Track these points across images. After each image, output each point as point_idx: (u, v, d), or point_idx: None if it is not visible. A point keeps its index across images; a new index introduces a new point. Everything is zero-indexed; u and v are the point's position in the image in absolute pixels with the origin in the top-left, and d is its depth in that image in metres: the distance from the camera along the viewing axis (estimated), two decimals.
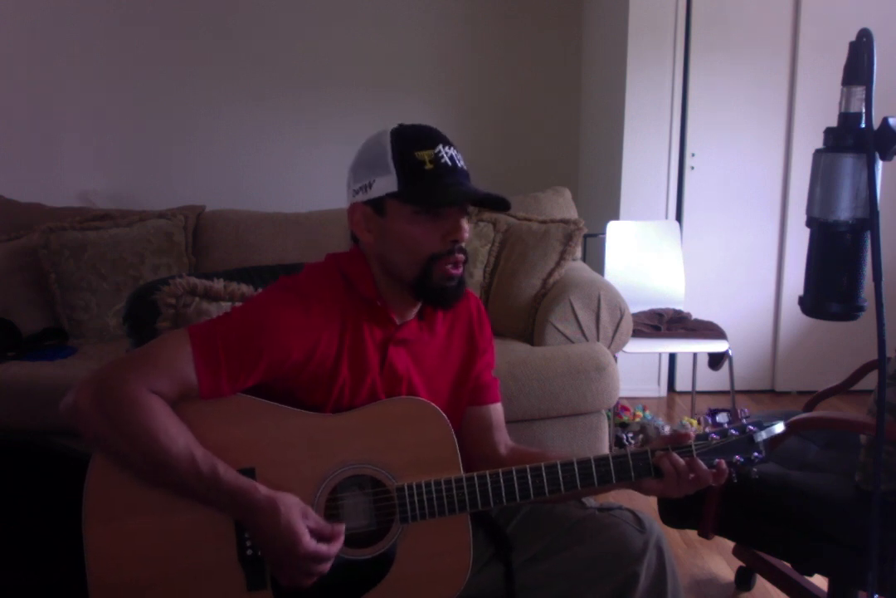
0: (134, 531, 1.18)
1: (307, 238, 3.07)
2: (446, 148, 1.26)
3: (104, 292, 2.88)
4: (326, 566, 1.17)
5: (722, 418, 1.29)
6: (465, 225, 1.27)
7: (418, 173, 1.23)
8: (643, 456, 1.22)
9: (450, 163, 1.25)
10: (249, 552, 1.19)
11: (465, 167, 1.28)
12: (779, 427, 1.26)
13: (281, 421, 1.23)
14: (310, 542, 1.14)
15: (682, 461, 1.20)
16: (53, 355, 2.67)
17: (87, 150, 4.05)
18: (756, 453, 1.24)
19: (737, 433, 1.24)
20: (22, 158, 3.92)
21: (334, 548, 1.17)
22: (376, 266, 1.31)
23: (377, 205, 1.27)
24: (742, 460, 1.24)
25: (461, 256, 1.27)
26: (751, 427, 1.25)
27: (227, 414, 1.21)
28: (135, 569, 1.18)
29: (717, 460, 1.22)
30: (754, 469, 1.25)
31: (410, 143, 1.25)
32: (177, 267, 2.99)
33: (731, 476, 1.23)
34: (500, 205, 1.29)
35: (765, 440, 1.24)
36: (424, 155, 1.23)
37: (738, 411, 1.29)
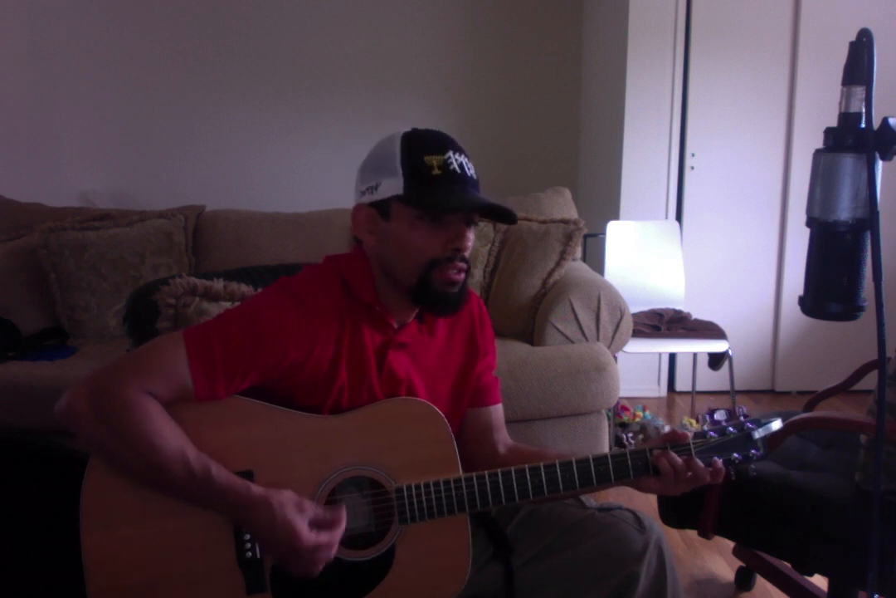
0: (132, 536, 1.17)
1: (307, 238, 3.06)
2: (457, 155, 1.24)
3: (104, 292, 2.88)
4: (332, 553, 1.17)
5: (720, 415, 1.29)
6: (470, 235, 1.25)
7: (425, 178, 1.21)
8: (641, 455, 1.22)
9: (458, 170, 1.23)
10: (249, 554, 1.19)
11: (474, 176, 1.26)
12: (776, 424, 1.26)
13: (279, 423, 1.22)
14: (309, 535, 1.14)
15: (679, 460, 1.20)
16: (53, 355, 2.66)
17: (87, 150, 4.05)
18: (754, 451, 1.24)
19: (735, 431, 1.24)
20: (22, 158, 3.92)
21: (336, 534, 1.16)
22: (377, 269, 1.29)
23: (382, 207, 1.25)
24: (740, 457, 1.24)
25: (462, 264, 1.25)
26: (748, 425, 1.25)
27: (225, 417, 1.21)
28: (133, 574, 1.17)
29: (714, 459, 1.22)
30: (752, 467, 1.25)
31: (420, 147, 1.23)
32: (177, 267, 2.98)
33: (729, 474, 1.23)
34: (506, 217, 1.27)
35: (762, 438, 1.24)
36: (433, 160, 1.22)
37: (736, 408, 1.29)
